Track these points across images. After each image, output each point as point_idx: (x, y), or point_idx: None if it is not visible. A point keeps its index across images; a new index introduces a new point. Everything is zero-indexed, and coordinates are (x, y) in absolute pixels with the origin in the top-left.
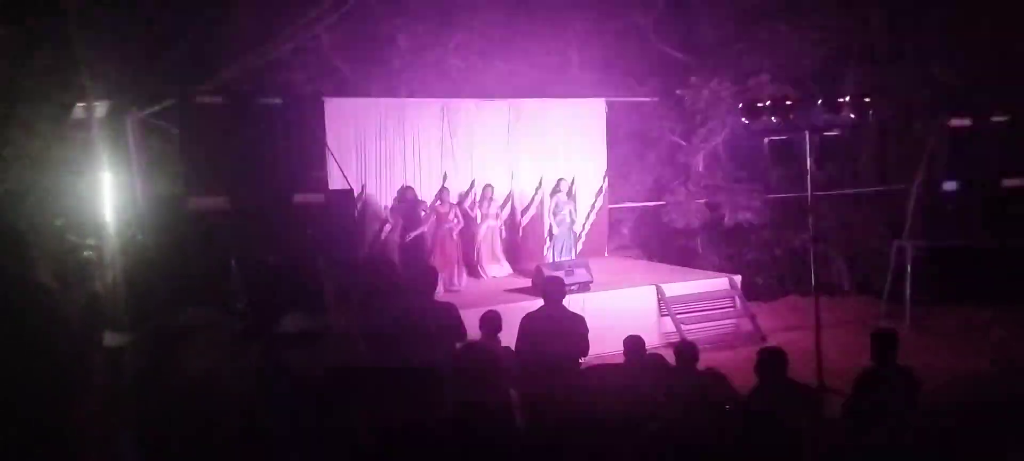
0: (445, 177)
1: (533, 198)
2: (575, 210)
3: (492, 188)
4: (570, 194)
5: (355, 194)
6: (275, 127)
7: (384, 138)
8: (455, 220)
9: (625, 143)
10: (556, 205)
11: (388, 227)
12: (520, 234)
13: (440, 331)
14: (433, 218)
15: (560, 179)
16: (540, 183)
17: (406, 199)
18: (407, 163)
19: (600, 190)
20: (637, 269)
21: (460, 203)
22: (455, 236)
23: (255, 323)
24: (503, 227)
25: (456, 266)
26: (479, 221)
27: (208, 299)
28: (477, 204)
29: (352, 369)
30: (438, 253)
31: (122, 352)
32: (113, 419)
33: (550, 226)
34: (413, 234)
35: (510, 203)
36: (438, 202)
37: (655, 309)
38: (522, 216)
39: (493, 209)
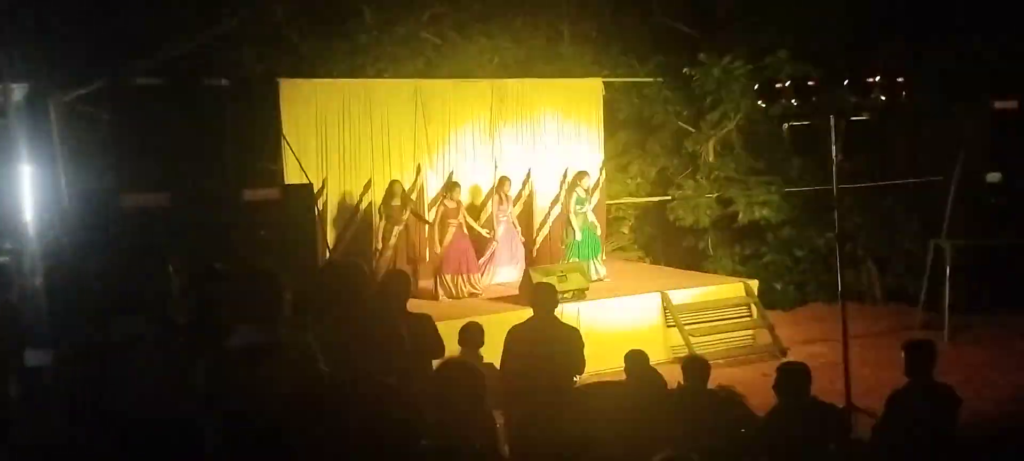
0: (418, 169)
1: (520, 192)
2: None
3: (509, 181)
4: (588, 189)
5: (315, 189)
6: (222, 113)
7: (348, 125)
8: (462, 221)
9: (625, 130)
10: (576, 201)
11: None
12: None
13: (413, 346)
14: (438, 212)
15: (581, 172)
16: (528, 176)
17: (393, 193)
18: (375, 154)
19: (597, 184)
20: (639, 273)
21: (441, 200)
22: (455, 237)
23: (200, 338)
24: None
25: (464, 272)
26: (495, 220)
27: (145, 310)
28: (494, 200)
29: (312, 390)
30: (449, 256)
31: (45, 372)
32: (35, 448)
33: (569, 225)
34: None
35: (493, 199)
36: (445, 197)
37: (660, 319)
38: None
39: (509, 207)
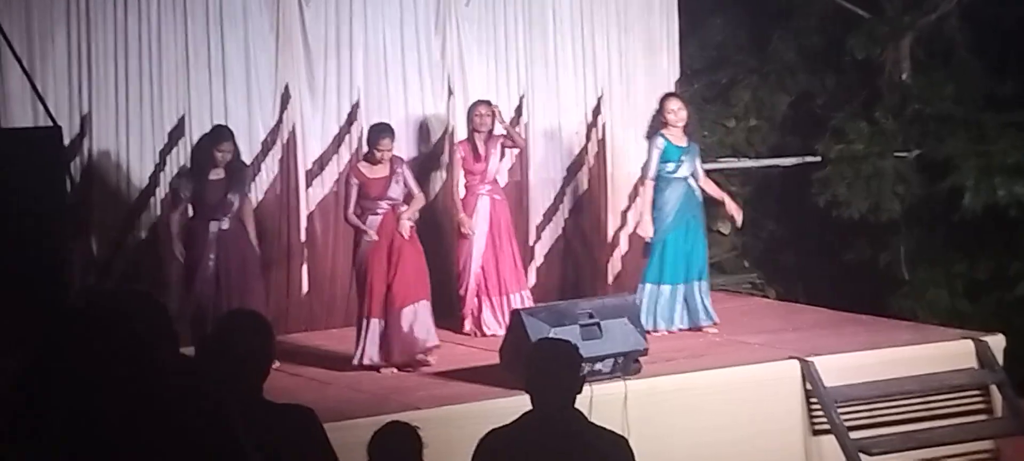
0: (285, 97)
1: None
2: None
3: (491, 109)
4: (689, 142)
5: (66, 139)
6: None
7: (139, 9)
8: (405, 197)
9: (721, 17)
10: (662, 156)
11: (174, 220)
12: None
13: None
14: (351, 190)
15: (668, 95)
16: (520, 111)
17: (211, 157)
18: (196, 68)
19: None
20: (753, 318)
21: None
22: (409, 235)
23: None
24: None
25: (418, 305)
26: (465, 197)
27: None
28: (462, 157)
29: None
30: (375, 277)
31: None
32: None
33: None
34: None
35: (457, 157)
36: (364, 159)
37: (800, 414)
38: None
39: (504, 164)
